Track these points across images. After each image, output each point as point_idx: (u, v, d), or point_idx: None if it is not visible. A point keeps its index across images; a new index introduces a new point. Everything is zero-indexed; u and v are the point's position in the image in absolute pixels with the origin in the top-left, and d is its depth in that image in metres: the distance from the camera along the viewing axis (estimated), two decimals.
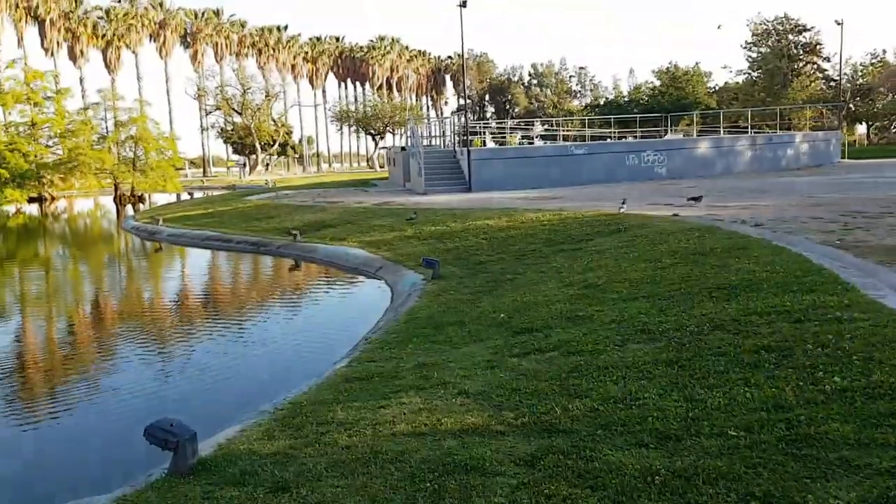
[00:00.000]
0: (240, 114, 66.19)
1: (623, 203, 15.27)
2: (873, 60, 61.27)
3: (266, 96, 66.85)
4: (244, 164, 64.92)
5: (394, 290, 12.04)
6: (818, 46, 60.89)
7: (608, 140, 36.94)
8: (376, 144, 69.46)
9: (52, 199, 44.97)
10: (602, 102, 73.87)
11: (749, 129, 35.46)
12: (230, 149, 77.77)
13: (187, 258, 19.58)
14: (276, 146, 71.41)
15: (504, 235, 14.21)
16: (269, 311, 12.18)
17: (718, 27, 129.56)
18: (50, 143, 44.08)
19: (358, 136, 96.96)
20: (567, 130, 43.66)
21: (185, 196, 40.17)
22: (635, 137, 38.80)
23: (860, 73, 61.53)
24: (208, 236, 19.95)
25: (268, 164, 72.03)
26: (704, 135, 35.40)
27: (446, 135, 33.15)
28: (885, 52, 61.94)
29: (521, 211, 17.01)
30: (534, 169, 26.03)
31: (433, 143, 34.31)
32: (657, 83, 67.82)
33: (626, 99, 69.68)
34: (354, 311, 11.43)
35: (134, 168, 40.90)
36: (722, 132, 35.69)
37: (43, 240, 27.41)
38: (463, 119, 33.49)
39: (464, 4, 25.24)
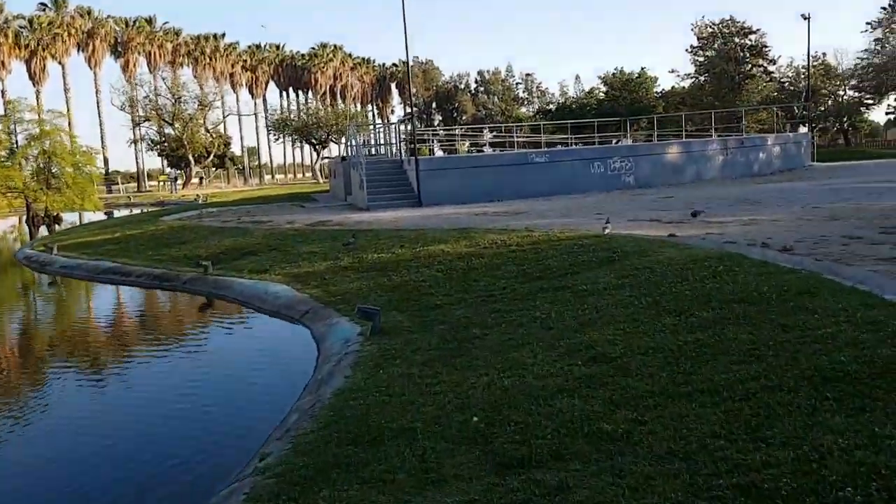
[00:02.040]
0: (171, 125, 61.91)
1: (607, 222, 12.50)
2: (814, 63, 60.40)
3: (199, 105, 62.69)
4: (175, 179, 60.63)
5: (320, 349, 9.00)
6: (764, 49, 59.76)
7: (568, 146, 34.44)
8: (318, 154, 65.80)
9: None
10: (553, 108, 71.79)
11: (713, 133, 33.33)
12: (165, 162, 73.33)
13: (69, 296, 16.22)
14: (212, 158, 67.18)
15: (464, 266, 11.28)
16: (137, 384, 8.90)
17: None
18: None
19: (301, 147, 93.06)
20: (518, 137, 41.15)
21: (103, 216, 36.16)
22: (592, 144, 36.44)
23: (802, 76, 60.73)
24: (106, 268, 16.55)
25: (202, 178, 67.77)
26: (661, 140, 33.23)
27: (393, 143, 30.18)
28: (825, 54, 61.38)
29: (483, 232, 14.12)
30: (490, 179, 23.21)
31: (380, 152, 31.32)
32: (604, 88, 66.11)
33: (576, 104, 67.72)
34: (259, 389, 8.30)
35: (48, 186, 36.76)
36: (684, 136, 33.52)
37: None
38: (410, 126, 30.56)
39: None
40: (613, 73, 65.88)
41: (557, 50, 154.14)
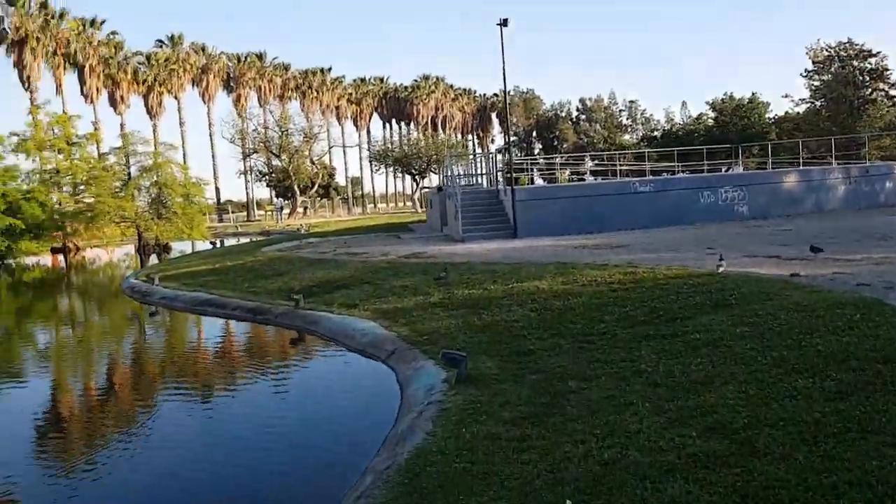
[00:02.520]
0: (278, 156, 63.83)
1: (721, 259, 11.41)
2: None
3: (304, 138, 64.38)
4: (281, 208, 62.37)
5: (403, 395, 8.40)
6: (886, 72, 55.98)
7: (674, 174, 33.00)
8: (417, 184, 66.28)
9: (77, 249, 42.67)
10: (658, 135, 69.71)
11: (832, 160, 31.15)
12: (273, 192, 75.66)
13: (164, 327, 16.32)
14: (317, 188, 68.78)
15: (560, 305, 10.49)
16: (210, 424, 8.49)
17: None
18: (76, 190, 41.87)
19: (402, 177, 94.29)
20: (621, 165, 39.85)
21: (207, 245, 37.27)
22: (701, 172, 34.85)
23: None
24: (203, 300, 16.62)
25: (306, 208, 69.40)
26: (776, 168, 31.34)
27: (490, 173, 29.68)
28: None
29: (581, 267, 13.28)
30: (590, 210, 22.28)
31: (477, 182, 30.92)
32: (712, 114, 63.66)
33: (683, 131, 65.49)
34: (338, 439, 7.72)
35: (158, 216, 38.35)
36: (801, 164, 31.50)
37: (23, 300, 24.57)
38: (507, 155, 29.93)
39: (504, 24, 21.89)
40: (722, 99, 63.49)
41: (662, 76, 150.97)
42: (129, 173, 40.11)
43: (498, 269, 14.08)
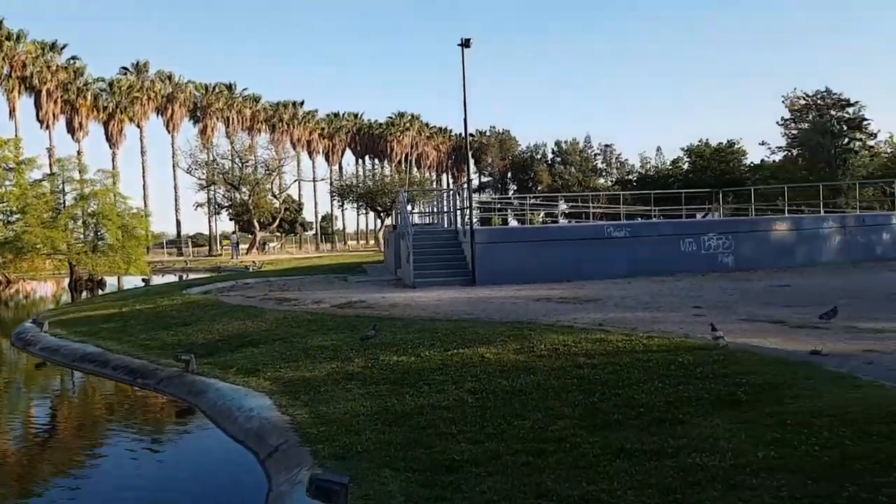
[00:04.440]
0: (237, 188, 60.88)
1: (714, 329, 8.77)
2: None
3: (266, 171, 61.63)
4: (237, 244, 59.18)
5: None
6: (864, 122, 54.71)
7: (649, 219, 30.73)
8: (382, 221, 63.72)
9: (8, 282, 39.25)
10: (634, 179, 67.99)
11: (821, 209, 29.11)
12: (236, 226, 72.50)
13: (21, 386, 13.28)
14: (279, 223, 65.80)
15: (508, 386, 7.83)
16: None
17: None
18: (13, 219, 38.52)
19: (375, 213, 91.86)
20: (595, 208, 37.64)
21: (140, 282, 34.06)
22: (677, 217, 32.76)
23: None
24: (84, 354, 13.64)
25: (264, 243, 66.26)
26: (759, 216, 29.30)
27: (451, 211, 27.11)
28: None
29: (540, 329, 10.67)
30: (558, 256, 19.76)
31: (441, 221, 28.36)
32: (688, 160, 62.07)
33: (659, 175, 63.76)
34: None
35: (94, 249, 35.17)
36: (786, 211, 29.45)
37: None
38: (466, 189, 27.43)
39: (466, 44, 19.59)
40: (698, 145, 62.02)
41: (637, 121, 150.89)
42: (63, 202, 36.97)
43: (440, 328, 11.38)
